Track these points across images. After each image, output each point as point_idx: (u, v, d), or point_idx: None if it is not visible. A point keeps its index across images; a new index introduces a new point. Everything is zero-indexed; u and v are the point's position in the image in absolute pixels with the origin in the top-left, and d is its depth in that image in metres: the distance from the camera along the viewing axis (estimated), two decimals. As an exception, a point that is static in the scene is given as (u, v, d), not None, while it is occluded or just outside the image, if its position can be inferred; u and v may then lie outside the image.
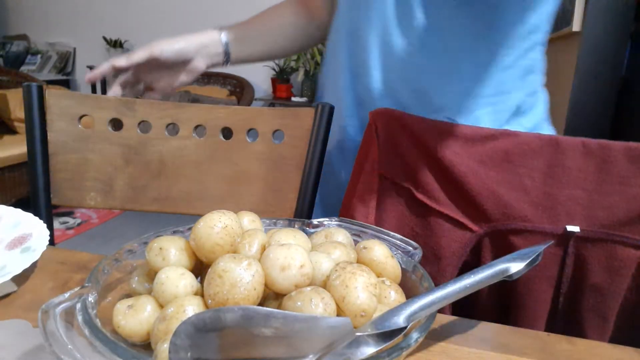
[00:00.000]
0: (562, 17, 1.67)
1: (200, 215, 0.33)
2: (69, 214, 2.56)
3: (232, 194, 0.75)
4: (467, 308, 0.58)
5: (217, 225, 0.32)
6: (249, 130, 0.74)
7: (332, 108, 0.71)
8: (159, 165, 0.75)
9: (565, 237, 0.54)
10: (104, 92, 3.62)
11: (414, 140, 0.58)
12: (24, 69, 3.78)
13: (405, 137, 0.58)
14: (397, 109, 0.58)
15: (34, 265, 0.46)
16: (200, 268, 0.35)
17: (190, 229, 0.37)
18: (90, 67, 3.63)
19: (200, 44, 0.72)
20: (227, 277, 0.28)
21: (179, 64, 0.72)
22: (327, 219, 0.44)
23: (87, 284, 0.31)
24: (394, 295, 0.33)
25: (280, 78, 3.25)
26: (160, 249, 0.33)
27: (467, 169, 0.55)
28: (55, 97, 0.73)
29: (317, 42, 0.83)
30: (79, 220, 2.48)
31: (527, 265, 0.35)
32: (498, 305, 0.58)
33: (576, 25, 1.54)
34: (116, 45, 3.58)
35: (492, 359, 0.35)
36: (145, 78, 0.74)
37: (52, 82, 3.54)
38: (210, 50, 0.73)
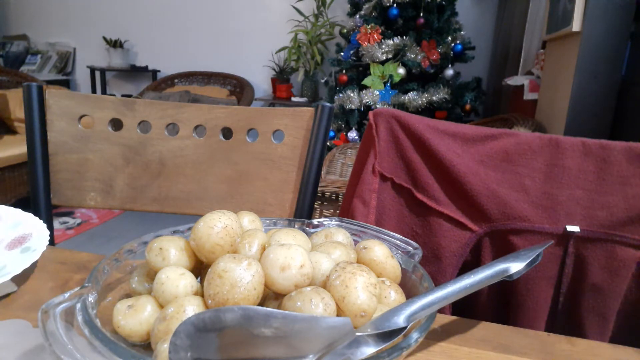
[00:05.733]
0: (562, 17, 1.67)
1: (200, 215, 0.33)
2: (69, 214, 2.56)
3: (232, 194, 0.75)
4: (467, 308, 0.58)
5: (217, 225, 0.32)
6: (249, 130, 0.74)
7: (331, 108, 0.71)
8: (159, 165, 0.75)
9: (565, 237, 0.54)
10: (104, 92, 3.62)
11: (414, 140, 0.58)
12: (24, 69, 3.78)
13: (405, 137, 0.58)
14: None
15: (34, 265, 0.46)
16: (200, 268, 0.35)
17: (190, 229, 0.37)
18: (91, 67, 3.64)
19: None
20: (227, 277, 0.28)
21: None
22: (327, 219, 0.44)
23: (87, 284, 0.31)
24: (394, 295, 0.33)
25: (280, 78, 3.25)
26: (160, 249, 0.33)
27: (467, 169, 0.55)
28: (55, 97, 0.73)
29: None
30: (79, 220, 2.47)
31: (527, 265, 0.35)
32: (498, 305, 0.58)
33: (576, 25, 1.53)
34: (116, 45, 3.58)
35: (492, 359, 0.35)
36: None
37: (52, 82, 3.54)
38: None
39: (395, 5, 2.36)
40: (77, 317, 0.27)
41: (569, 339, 0.39)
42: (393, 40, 2.38)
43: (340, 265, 0.30)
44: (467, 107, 2.46)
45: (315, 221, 0.44)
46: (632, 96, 1.53)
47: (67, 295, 0.29)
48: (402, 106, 2.38)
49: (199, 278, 0.34)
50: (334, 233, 0.39)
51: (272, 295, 0.31)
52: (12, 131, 2.68)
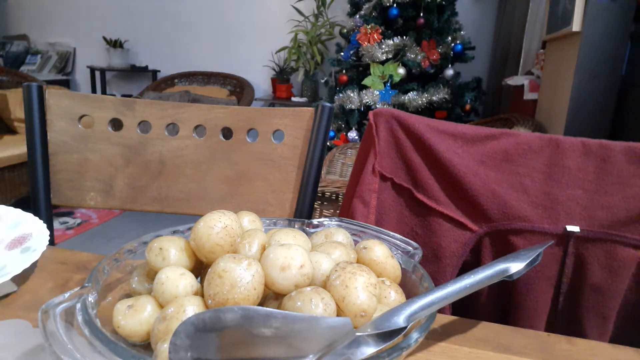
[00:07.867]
0: (562, 17, 1.67)
1: (200, 215, 0.33)
2: (69, 214, 2.56)
3: (232, 194, 0.75)
4: (467, 308, 0.58)
5: (217, 225, 0.32)
6: (249, 130, 0.74)
7: (331, 108, 0.71)
8: (159, 165, 0.75)
9: (565, 237, 0.54)
10: (104, 92, 3.62)
11: (414, 140, 0.58)
12: (24, 69, 3.78)
13: (405, 137, 0.58)
14: None
15: (34, 265, 0.46)
16: (200, 268, 0.35)
17: (190, 229, 0.37)
18: (91, 67, 3.64)
19: None
20: (227, 277, 0.28)
21: None
22: (327, 219, 0.44)
23: (87, 284, 0.31)
24: (394, 295, 0.33)
25: (280, 78, 3.25)
26: (160, 249, 0.33)
27: (467, 169, 0.55)
28: (55, 97, 0.73)
29: None
30: (79, 220, 2.47)
31: (527, 265, 0.35)
32: (498, 305, 0.58)
33: (576, 25, 1.53)
34: (116, 45, 3.58)
35: (492, 359, 0.35)
36: None
37: (52, 82, 3.54)
38: None
39: (395, 5, 2.36)
40: (77, 317, 0.27)
41: (569, 339, 0.39)
42: (393, 40, 2.38)
43: (340, 265, 0.30)
44: (467, 107, 2.46)
45: (315, 221, 0.44)
46: (632, 96, 1.53)
47: (67, 295, 0.29)
48: (402, 106, 2.38)
49: (199, 278, 0.34)
50: (334, 233, 0.39)
51: (272, 295, 0.31)
52: (12, 131, 2.68)
